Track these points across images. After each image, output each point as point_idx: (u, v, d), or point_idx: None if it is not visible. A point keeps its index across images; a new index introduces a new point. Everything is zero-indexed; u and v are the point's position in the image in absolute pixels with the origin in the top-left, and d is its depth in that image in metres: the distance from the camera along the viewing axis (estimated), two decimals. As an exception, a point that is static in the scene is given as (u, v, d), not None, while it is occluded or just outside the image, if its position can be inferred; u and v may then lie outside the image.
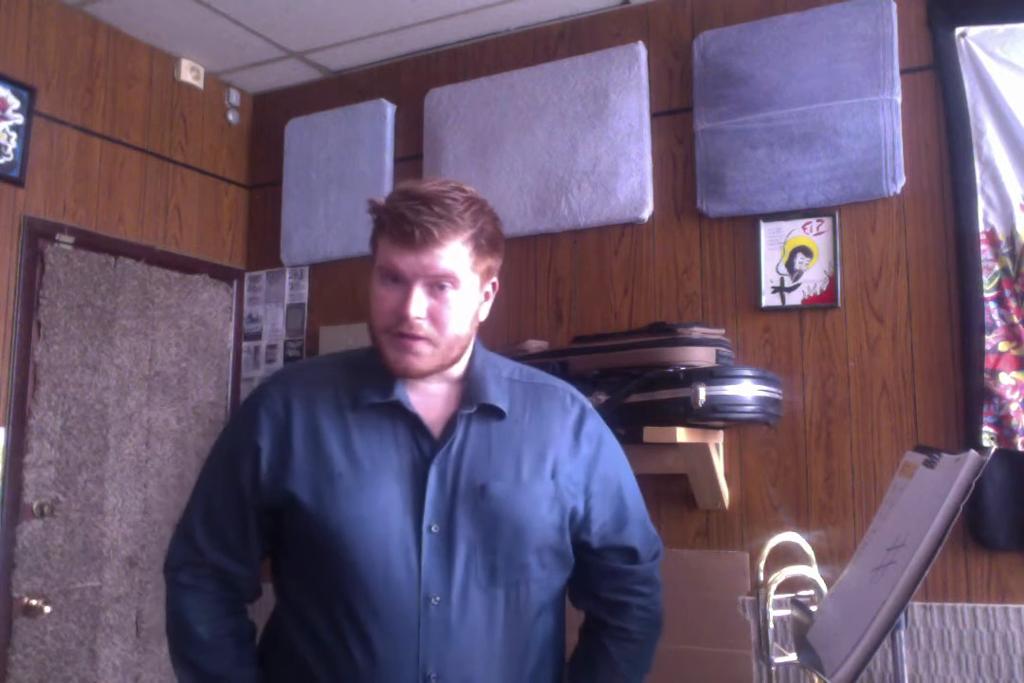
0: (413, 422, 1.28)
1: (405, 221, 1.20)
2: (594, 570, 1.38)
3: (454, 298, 1.24)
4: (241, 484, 1.29)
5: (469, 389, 1.31)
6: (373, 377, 1.29)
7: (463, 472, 1.26)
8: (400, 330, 1.23)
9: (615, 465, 1.41)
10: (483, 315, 1.34)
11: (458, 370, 1.33)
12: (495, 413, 1.30)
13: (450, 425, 1.28)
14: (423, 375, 1.27)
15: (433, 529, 1.23)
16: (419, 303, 1.22)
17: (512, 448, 1.30)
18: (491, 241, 1.28)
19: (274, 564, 1.35)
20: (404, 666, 1.20)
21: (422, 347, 1.23)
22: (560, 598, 1.37)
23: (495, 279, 1.34)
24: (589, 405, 1.42)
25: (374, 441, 1.26)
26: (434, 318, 1.23)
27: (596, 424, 1.40)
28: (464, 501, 1.24)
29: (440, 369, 1.28)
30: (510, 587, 1.26)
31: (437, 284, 1.23)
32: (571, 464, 1.33)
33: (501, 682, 1.25)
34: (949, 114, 2.22)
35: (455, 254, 1.22)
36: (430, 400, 1.31)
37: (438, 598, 1.21)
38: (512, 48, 2.86)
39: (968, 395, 2.13)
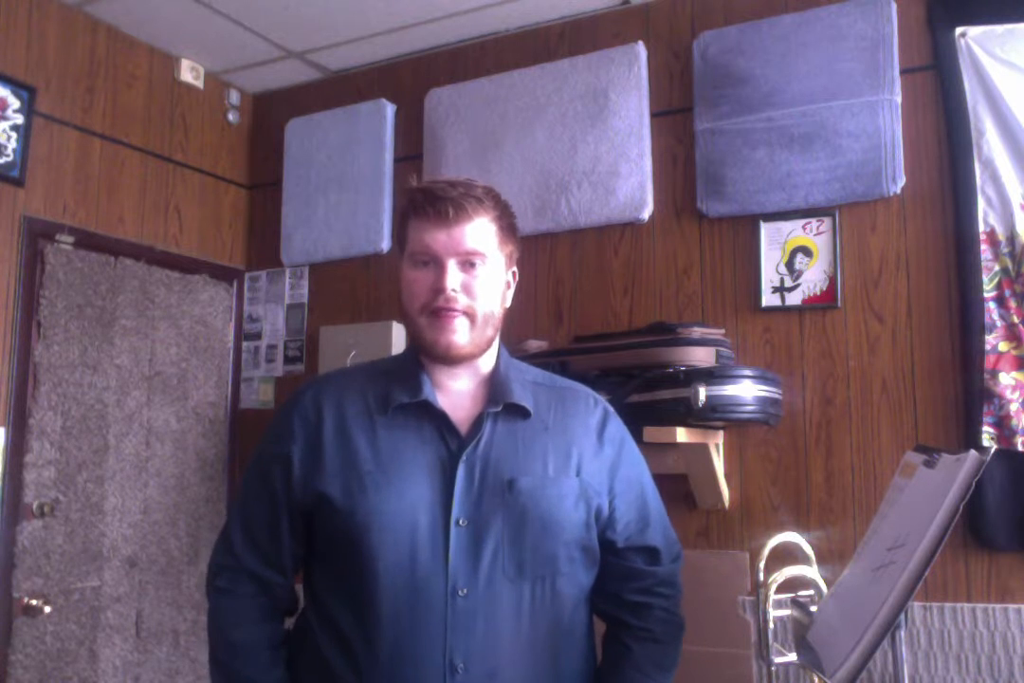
0: (441, 421, 1.30)
1: (438, 199, 1.27)
2: (616, 571, 1.39)
3: (484, 273, 1.29)
4: (275, 490, 1.32)
5: (495, 389, 1.33)
6: (402, 380, 1.32)
7: (490, 468, 1.28)
8: (437, 304, 1.26)
9: (637, 468, 1.43)
10: (508, 301, 1.38)
11: (485, 366, 1.36)
12: (520, 413, 1.33)
13: (477, 423, 1.30)
14: (464, 355, 1.30)
15: (461, 522, 1.25)
16: (454, 276, 1.27)
17: (538, 446, 1.32)
18: (511, 228, 1.36)
19: (305, 570, 1.37)
20: (430, 658, 1.21)
21: (460, 323, 1.27)
22: (589, 597, 1.38)
23: (516, 269, 1.39)
24: (611, 409, 1.45)
25: (401, 440, 1.29)
26: (468, 291, 1.28)
27: (618, 427, 1.43)
28: (492, 496, 1.26)
29: (476, 350, 1.31)
30: (537, 581, 1.27)
31: (468, 261, 1.28)
32: (594, 464, 1.36)
33: (528, 676, 1.26)
34: (949, 114, 2.23)
35: (483, 231, 1.29)
36: (457, 400, 1.33)
37: (465, 590, 1.22)
38: (512, 48, 2.86)
39: (968, 395, 2.13)
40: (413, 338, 1.33)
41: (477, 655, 1.22)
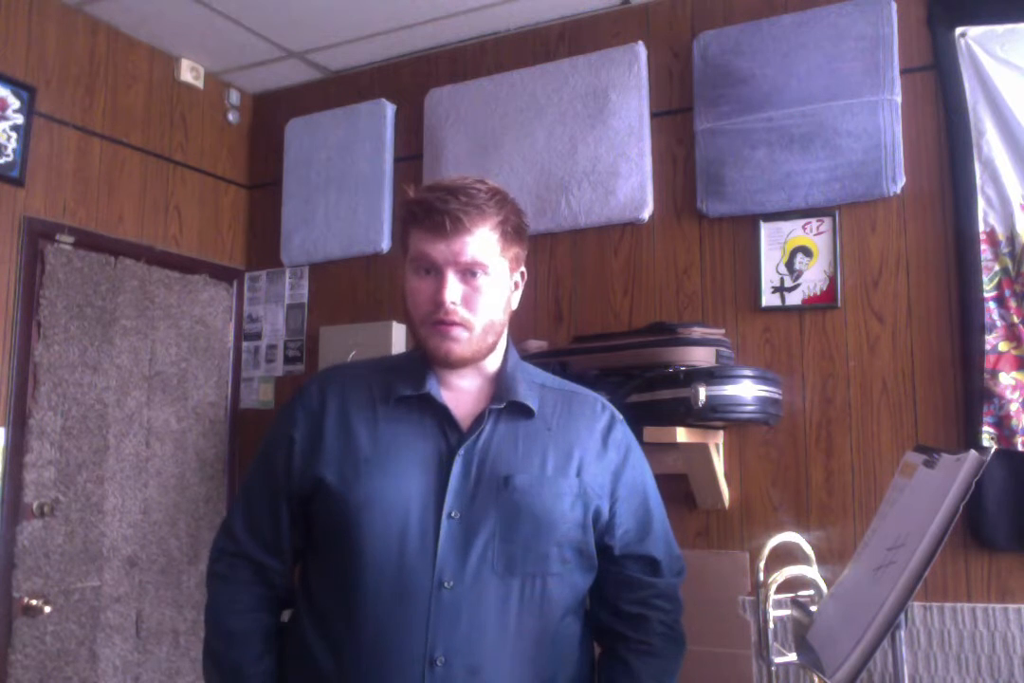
0: (442, 414, 1.30)
1: (435, 211, 1.25)
2: (614, 579, 1.37)
3: (486, 284, 1.28)
4: (276, 475, 1.33)
5: (500, 387, 1.34)
6: (407, 373, 1.33)
7: (488, 463, 1.28)
8: (438, 317, 1.26)
9: (642, 475, 1.42)
10: (514, 303, 1.38)
11: (492, 366, 1.36)
12: (524, 412, 1.33)
13: (478, 419, 1.30)
14: (464, 361, 1.30)
15: (453, 515, 1.24)
16: (453, 289, 1.26)
17: (539, 445, 1.32)
18: (516, 229, 1.33)
19: (302, 565, 1.37)
20: (411, 649, 1.20)
21: (459, 332, 1.27)
22: (587, 611, 1.37)
23: (523, 269, 1.38)
24: (620, 416, 1.43)
25: (401, 432, 1.30)
26: (468, 303, 1.27)
27: (625, 433, 1.42)
28: (487, 491, 1.26)
29: (477, 356, 1.31)
30: (527, 578, 1.25)
31: (469, 271, 1.27)
32: (596, 466, 1.34)
33: (512, 676, 1.24)
34: (949, 114, 2.22)
35: (484, 241, 1.27)
36: (461, 396, 1.34)
37: (451, 583, 1.22)
38: (512, 48, 2.86)
39: (968, 395, 2.13)
40: (416, 342, 1.34)
41: (458, 650, 1.20)
